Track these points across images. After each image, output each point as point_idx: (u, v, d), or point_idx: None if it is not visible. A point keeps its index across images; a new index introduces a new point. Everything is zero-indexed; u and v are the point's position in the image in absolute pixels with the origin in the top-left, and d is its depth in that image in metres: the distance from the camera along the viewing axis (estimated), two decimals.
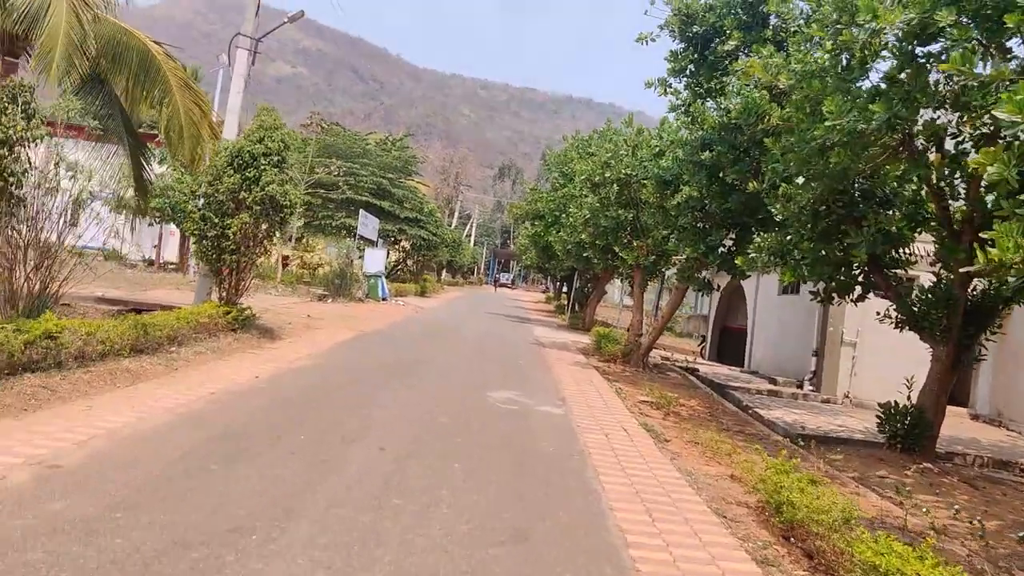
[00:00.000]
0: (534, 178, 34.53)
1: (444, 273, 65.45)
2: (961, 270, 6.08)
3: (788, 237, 11.70)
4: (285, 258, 34.07)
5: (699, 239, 14.42)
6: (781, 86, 9.73)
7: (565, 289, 44.90)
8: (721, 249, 14.44)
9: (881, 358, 17.03)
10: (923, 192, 10.58)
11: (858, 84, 9.90)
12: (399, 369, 12.36)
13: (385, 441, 7.34)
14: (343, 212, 35.22)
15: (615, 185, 17.39)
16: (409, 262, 42.36)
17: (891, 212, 11.09)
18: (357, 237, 31.11)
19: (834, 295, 12.04)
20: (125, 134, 16.49)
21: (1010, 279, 4.76)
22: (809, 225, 11.47)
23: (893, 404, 11.58)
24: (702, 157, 14.42)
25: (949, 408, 13.68)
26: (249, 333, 14.16)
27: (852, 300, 12.18)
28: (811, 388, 17.44)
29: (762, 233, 13.42)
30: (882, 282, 11.63)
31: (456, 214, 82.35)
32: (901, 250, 11.53)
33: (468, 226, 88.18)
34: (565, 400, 11.33)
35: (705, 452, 9.37)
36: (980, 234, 6.31)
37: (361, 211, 31.45)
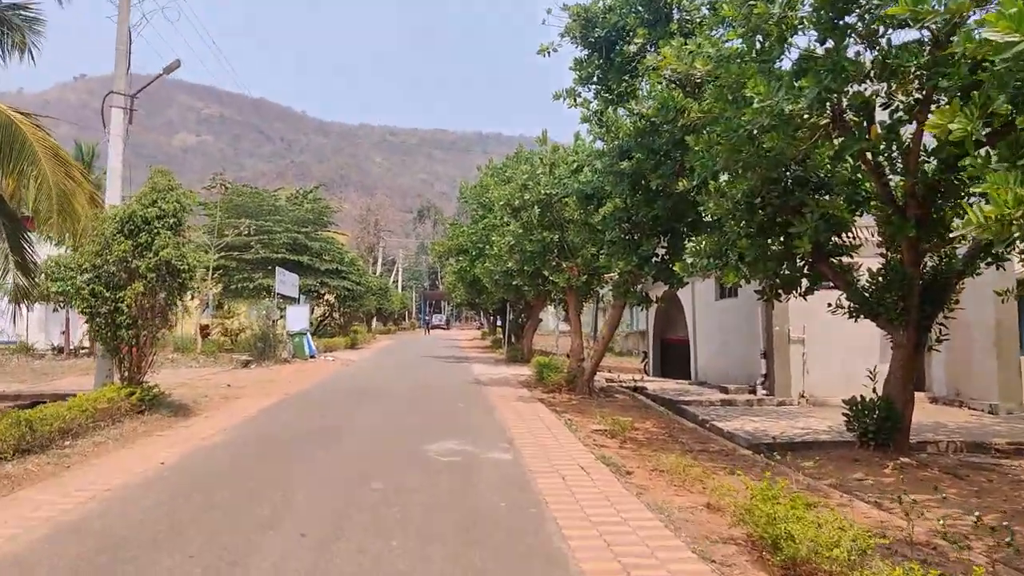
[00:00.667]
0: (453, 215, 33.62)
1: (375, 322, 63.68)
2: (954, 235, 5.33)
3: (725, 236, 11.03)
4: (204, 327, 32.19)
5: (630, 251, 13.69)
6: (697, 75, 9.08)
7: (499, 323, 43.98)
8: (654, 259, 13.74)
9: (832, 352, 16.59)
10: (860, 171, 10.04)
11: (778, 64, 9.35)
12: (325, 432, 11.11)
13: (307, 524, 6.16)
14: (260, 272, 33.57)
15: (536, 207, 16.61)
16: (336, 315, 40.76)
17: (828, 196, 10.53)
18: (276, 296, 29.55)
19: (780, 291, 11.39)
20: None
21: (1015, 234, 3.96)
22: (745, 221, 10.84)
23: (859, 400, 10.92)
24: (622, 166, 13.77)
25: None
26: (159, 413, 12.71)
27: (800, 294, 11.58)
28: (764, 392, 16.84)
29: (694, 236, 12.78)
30: (829, 271, 11.06)
31: (380, 261, 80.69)
32: (844, 235, 11.01)
33: (394, 272, 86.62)
34: (513, 442, 10.28)
35: (673, 480, 8.44)
36: (973, 189, 5.58)
37: (277, 268, 29.91)
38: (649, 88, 12.59)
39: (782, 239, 10.85)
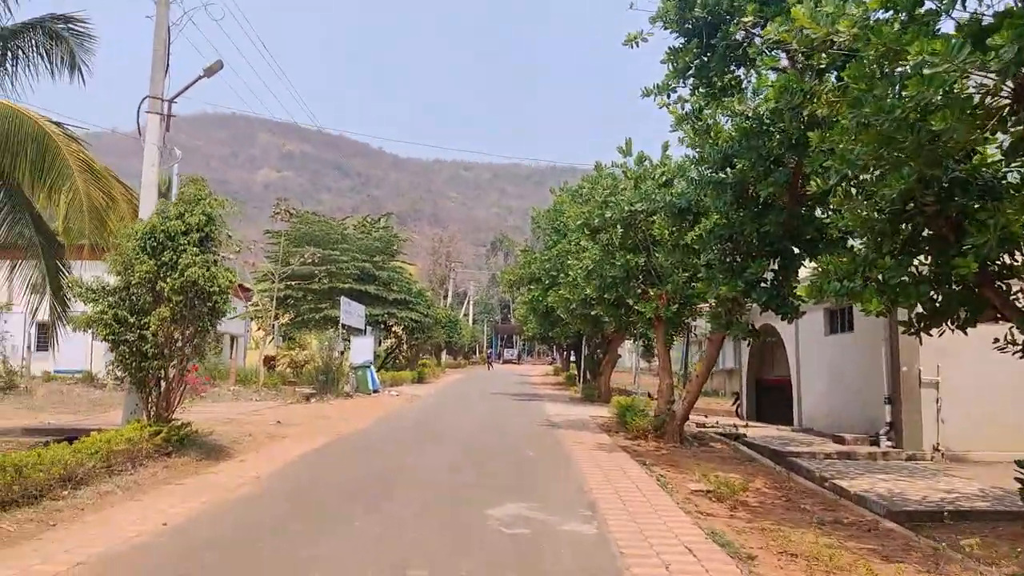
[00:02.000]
0: (525, 242, 31.81)
1: (444, 355, 62.35)
2: None
3: (862, 254, 8.87)
4: (269, 358, 31.19)
5: (734, 275, 11.55)
6: (842, 37, 7.00)
7: (573, 358, 41.82)
8: (762, 284, 11.57)
9: (973, 397, 13.95)
10: None
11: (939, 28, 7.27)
12: (371, 486, 9.29)
13: None
14: (327, 303, 32.46)
15: (618, 226, 14.65)
16: (403, 347, 39.39)
17: (999, 202, 8.25)
18: (341, 326, 28.27)
19: (929, 323, 9.08)
20: (37, 235, 13.90)
21: None
22: (889, 234, 8.68)
23: None
24: (724, 176, 11.72)
25: None
26: (188, 456, 11.19)
27: (956, 327, 9.23)
28: (889, 444, 14.27)
29: (816, 257, 10.61)
30: (996, 298, 8.72)
31: (450, 293, 79.61)
32: (1017, 253, 8.70)
33: (464, 304, 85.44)
34: (595, 507, 8.23)
35: (813, 570, 6.27)
36: None
37: (343, 298, 28.68)
38: (758, 80, 10.56)
39: (932, 257, 8.63)
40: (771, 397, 22.93)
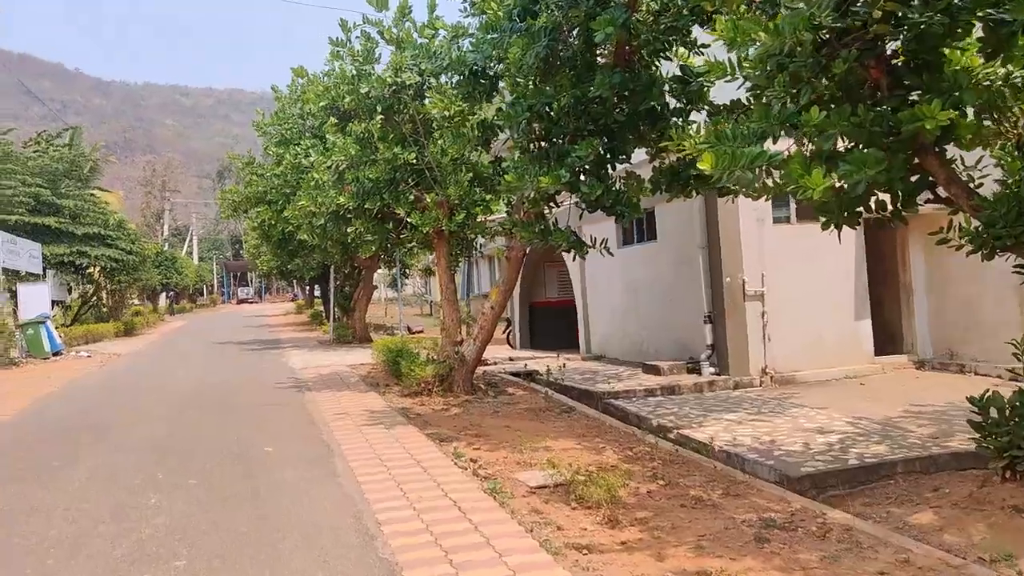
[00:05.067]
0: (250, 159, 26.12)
1: (164, 300, 53.91)
2: None
3: (774, 106, 5.85)
4: None
5: (553, 161, 8.10)
6: None
7: (318, 293, 37.05)
8: (588, 171, 8.26)
9: (799, 310, 12.02)
10: None
11: None
12: None
13: None
14: None
15: (378, 108, 10.53)
16: (103, 294, 32.02)
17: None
18: (2, 272, 21.23)
19: (899, 211, 6.33)
20: None
21: None
22: (810, 75, 5.74)
23: (991, 396, 6.20)
24: (532, 23, 8.12)
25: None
26: None
27: (893, 216, 6.54)
28: (712, 370, 12.00)
29: (669, 130, 7.54)
30: (941, 170, 6.10)
31: (166, 229, 69.29)
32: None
33: (187, 241, 75.40)
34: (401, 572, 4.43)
35: None
36: None
37: (0, 234, 21.50)
38: None
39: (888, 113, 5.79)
40: (546, 322, 20.46)
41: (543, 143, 8.74)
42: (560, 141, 8.49)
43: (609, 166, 8.75)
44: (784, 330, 11.84)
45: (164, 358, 19.93)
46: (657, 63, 8.73)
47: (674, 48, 8.79)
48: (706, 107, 8.86)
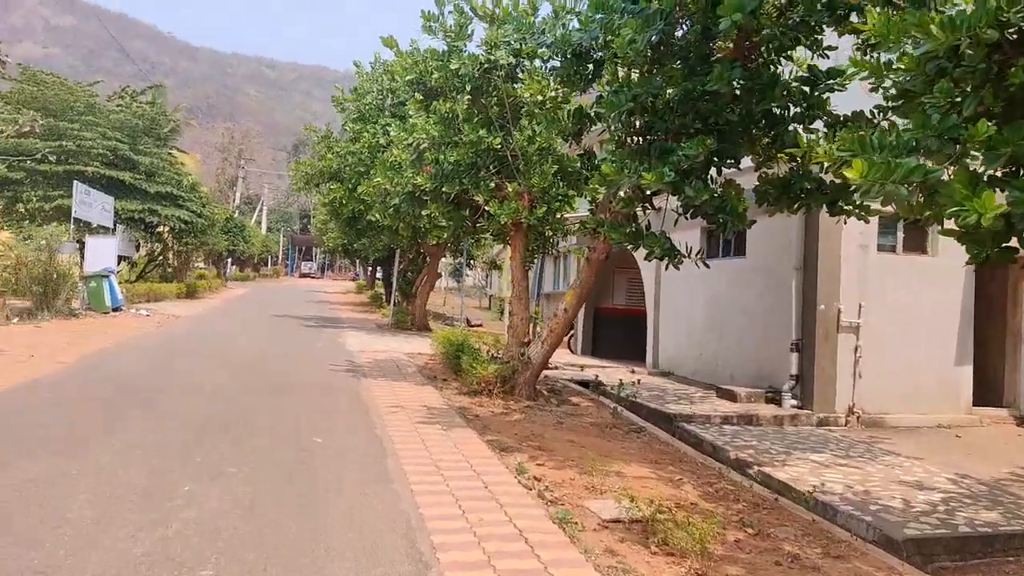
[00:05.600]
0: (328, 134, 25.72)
1: (230, 267, 54.70)
2: None
3: (929, 114, 5.03)
4: None
5: (654, 158, 7.35)
6: None
7: (380, 275, 36.86)
8: (699, 171, 7.47)
9: (891, 344, 11.02)
10: None
11: None
12: None
13: None
14: (62, 190, 24.91)
15: (467, 87, 9.91)
16: (170, 255, 32.36)
17: None
18: (74, 221, 21.45)
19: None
20: None
21: None
22: (980, 78, 4.94)
23: None
24: (651, 4, 7.38)
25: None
26: None
27: None
28: (794, 403, 11.06)
29: (797, 134, 6.74)
30: None
31: (238, 196, 70.42)
32: None
33: (257, 211, 76.57)
34: None
35: None
36: None
37: (76, 184, 21.69)
38: None
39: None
40: (612, 330, 19.65)
41: (643, 138, 7.99)
42: (662, 137, 7.72)
43: (715, 169, 7.95)
44: (877, 368, 10.83)
45: (222, 326, 19.79)
46: (779, 62, 7.91)
47: (795, 48, 7.97)
48: (824, 116, 8.03)
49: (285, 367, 12.14)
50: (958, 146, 5.01)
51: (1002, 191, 4.81)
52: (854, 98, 7.55)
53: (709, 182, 7.76)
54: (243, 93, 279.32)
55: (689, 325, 14.55)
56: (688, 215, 8.29)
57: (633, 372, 15.39)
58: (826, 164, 7.26)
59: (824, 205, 8.26)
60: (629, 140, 8.23)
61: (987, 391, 11.52)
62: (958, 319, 11.11)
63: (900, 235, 11.10)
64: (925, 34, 4.85)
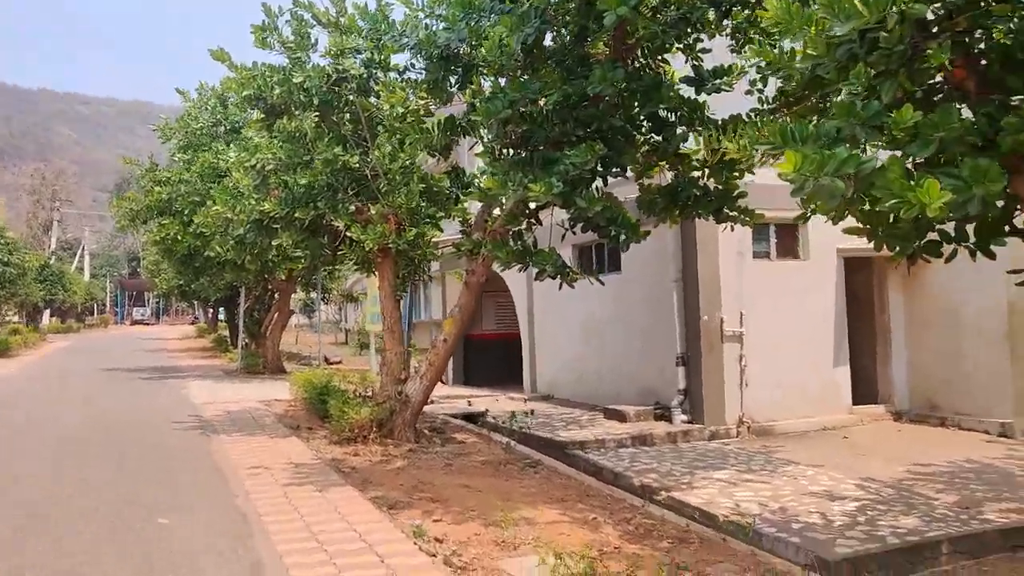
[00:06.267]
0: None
1: (47, 318, 49.41)
2: None
3: (850, 102, 4.65)
4: None
5: (537, 169, 6.68)
6: None
7: (223, 316, 34.28)
8: (583, 180, 6.86)
9: (776, 353, 10.95)
10: None
11: None
12: None
13: None
14: None
15: (314, 100, 8.89)
16: None
17: None
18: None
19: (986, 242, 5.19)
20: None
21: None
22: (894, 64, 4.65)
23: None
24: (524, 2, 6.76)
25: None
26: None
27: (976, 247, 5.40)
28: (684, 418, 10.70)
29: (703, 133, 6.32)
30: None
31: (53, 241, 63.90)
32: None
33: (78, 256, 70.10)
34: None
35: None
36: None
37: None
38: None
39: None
40: (483, 356, 18.90)
41: (522, 149, 7.31)
42: (542, 147, 7.07)
43: (600, 179, 7.39)
44: (762, 376, 10.70)
45: (42, 386, 17.31)
46: (659, 63, 7.51)
47: (673, 48, 7.61)
48: (700, 122, 7.69)
49: (118, 432, 10.44)
50: (883, 135, 4.66)
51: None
52: (732, 102, 7.25)
53: (595, 193, 7.18)
54: (56, 133, 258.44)
55: (565, 346, 14.05)
56: (575, 229, 7.69)
57: (512, 399, 14.69)
58: (707, 171, 6.85)
59: (711, 212, 7.94)
60: (505, 152, 7.53)
61: (862, 389, 11.69)
62: (832, 320, 11.22)
63: (773, 241, 11.09)
64: (847, 14, 4.43)
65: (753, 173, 7.79)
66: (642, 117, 7.25)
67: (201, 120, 16.38)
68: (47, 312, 48.95)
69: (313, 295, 29.32)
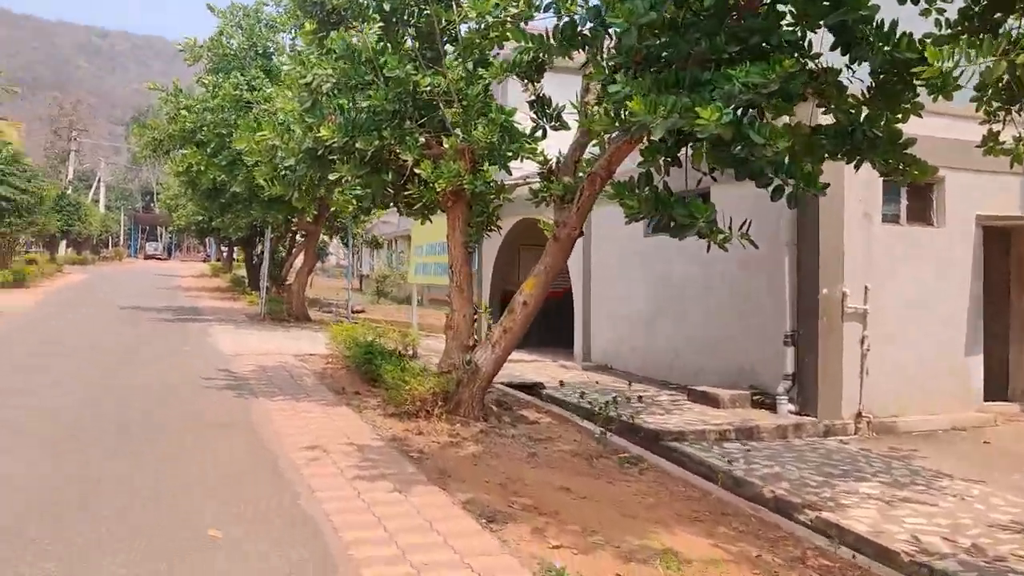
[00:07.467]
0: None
1: (64, 249, 48.21)
2: None
3: None
4: None
5: (690, 90, 5.09)
6: None
7: (241, 256, 32.86)
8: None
9: (903, 334, 9.37)
10: None
11: None
12: None
13: None
14: None
15: (387, 4, 7.24)
16: None
17: None
18: None
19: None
20: None
21: None
22: None
23: None
24: None
25: None
26: None
27: None
28: (792, 408, 9.18)
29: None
30: None
31: (71, 172, 62.17)
32: None
33: (94, 188, 68.61)
34: None
35: None
36: None
37: None
38: None
39: None
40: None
41: (654, 67, 5.69)
42: (682, 64, 5.44)
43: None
44: (886, 363, 9.10)
45: (56, 322, 15.99)
46: None
47: None
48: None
49: (148, 380, 9.07)
50: None
51: None
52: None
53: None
54: (73, 64, 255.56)
55: (633, 310, 12.51)
56: (713, 175, 6.10)
57: (564, 367, 13.25)
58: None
59: (882, 161, 6.31)
60: (630, 70, 5.89)
61: (992, 383, 10.09)
62: (967, 300, 9.61)
63: (904, 202, 9.43)
64: None
65: (920, 115, 6.13)
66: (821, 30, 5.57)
67: (237, 39, 14.76)
68: (63, 243, 47.77)
69: (337, 239, 27.91)
